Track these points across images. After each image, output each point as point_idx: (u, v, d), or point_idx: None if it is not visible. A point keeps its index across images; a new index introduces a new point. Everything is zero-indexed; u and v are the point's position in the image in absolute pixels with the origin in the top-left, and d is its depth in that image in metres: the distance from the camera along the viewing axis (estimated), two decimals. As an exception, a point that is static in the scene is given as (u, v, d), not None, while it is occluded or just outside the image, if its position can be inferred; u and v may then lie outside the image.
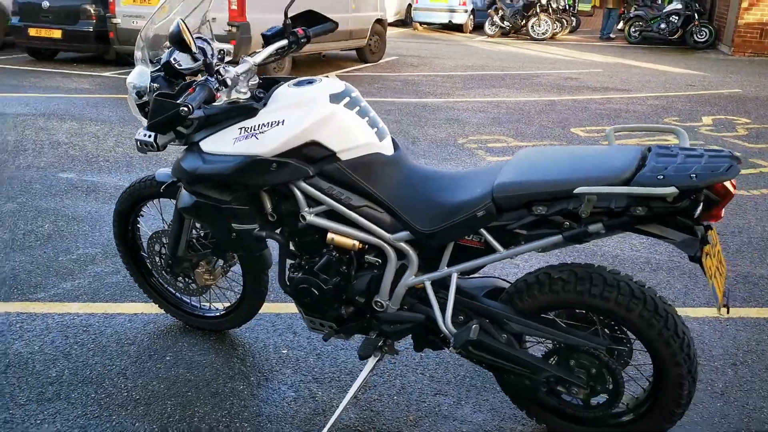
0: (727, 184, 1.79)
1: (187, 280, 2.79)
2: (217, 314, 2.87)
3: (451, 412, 2.45)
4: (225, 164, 2.16)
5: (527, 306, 2.10)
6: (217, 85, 2.10)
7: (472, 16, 19.57)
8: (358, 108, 2.19)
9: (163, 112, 1.99)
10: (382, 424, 2.38)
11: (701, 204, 1.77)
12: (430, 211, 2.09)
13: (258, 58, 2.37)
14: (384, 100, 8.44)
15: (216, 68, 2.13)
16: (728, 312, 2.01)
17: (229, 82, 2.15)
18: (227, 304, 2.90)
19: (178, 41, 1.94)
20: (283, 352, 2.79)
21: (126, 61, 10.39)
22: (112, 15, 9.14)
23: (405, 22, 21.44)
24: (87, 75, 9.53)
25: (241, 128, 2.17)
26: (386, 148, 2.21)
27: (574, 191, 1.83)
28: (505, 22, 18.11)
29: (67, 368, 2.63)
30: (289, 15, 2.58)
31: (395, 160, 2.22)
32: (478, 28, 19.74)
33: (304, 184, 2.18)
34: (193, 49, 1.99)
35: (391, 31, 19.65)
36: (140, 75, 2.32)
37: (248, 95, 2.27)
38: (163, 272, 2.81)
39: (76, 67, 10.29)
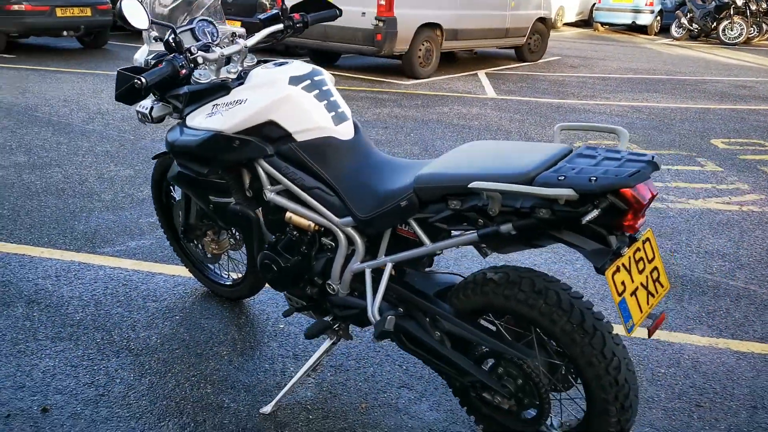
0: (641, 191, 1.57)
1: (200, 247, 2.95)
2: (229, 283, 2.99)
3: (406, 406, 2.37)
4: (195, 137, 2.26)
5: (462, 306, 1.97)
6: (182, 63, 2.19)
7: (659, 18, 18.26)
8: (317, 91, 2.18)
9: (121, 84, 2.12)
10: (333, 406, 2.35)
11: (596, 210, 1.56)
12: (367, 197, 2.04)
13: (251, 41, 2.44)
14: (520, 99, 8.18)
15: (186, 47, 2.22)
16: (649, 336, 1.74)
17: (199, 60, 2.24)
18: (240, 275, 3.02)
19: (121, 17, 2.04)
20: (280, 326, 2.85)
21: (293, 52, 11.00)
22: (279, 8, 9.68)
23: (588, 22, 20.52)
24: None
25: (214, 105, 2.25)
26: (342, 133, 2.18)
27: (468, 185, 1.70)
28: (693, 25, 16.70)
29: (90, 314, 2.89)
30: (299, 2, 2.63)
31: (350, 145, 2.18)
32: (664, 30, 18.38)
33: (264, 163, 2.22)
34: (137, 26, 2.08)
35: (568, 32, 18.95)
36: (142, 52, 2.49)
37: (235, 75, 2.35)
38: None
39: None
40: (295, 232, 2.29)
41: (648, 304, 1.71)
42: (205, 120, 2.24)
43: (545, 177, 1.63)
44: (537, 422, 1.96)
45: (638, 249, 1.71)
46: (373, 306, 2.06)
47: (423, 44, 9.18)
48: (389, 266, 2.06)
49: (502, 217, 1.74)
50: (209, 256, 2.92)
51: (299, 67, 2.22)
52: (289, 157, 2.17)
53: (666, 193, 4.75)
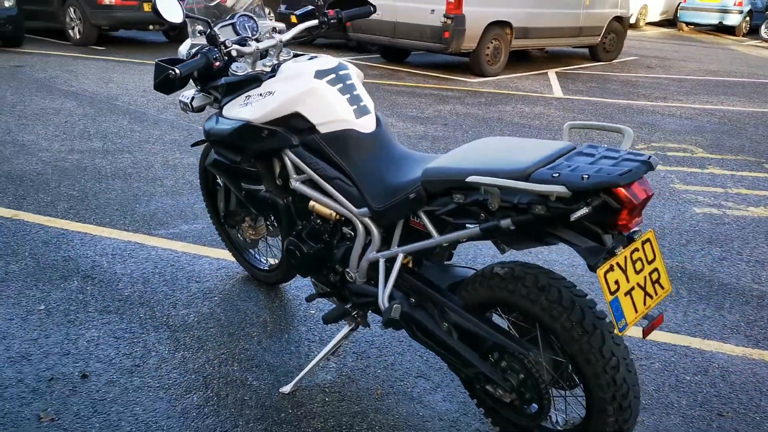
0: (634, 191, 1.56)
1: (240, 232, 3.07)
2: (266, 268, 3.10)
3: (421, 395, 2.41)
4: (227, 127, 2.36)
5: (471, 299, 2.00)
6: (216, 55, 2.29)
7: (747, 18, 17.43)
8: (341, 85, 2.24)
9: (159, 75, 2.24)
10: (349, 390, 2.42)
11: (586, 208, 1.56)
12: (381, 189, 2.09)
13: (286, 36, 2.52)
14: (587, 99, 8.01)
15: (222, 41, 2.32)
16: (644, 337, 1.72)
17: (233, 53, 2.34)
18: (276, 261, 3.13)
19: (155, 11, 2.16)
20: (311, 312, 2.94)
21: (365, 48, 11.14)
22: (349, 5, 9.81)
23: (672, 22, 19.80)
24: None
25: (247, 96, 2.35)
26: (363, 126, 2.23)
27: (466, 179, 1.72)
28: (785, 26, 15.86)
29: (138, 291, 3.06)
30: (336, -1, 2.70)
31: (371, 137, 2.24)
32: (753, 31, 17.54)
33: (290, 153, 2.30)
34: (172, 20, 2.19)
35: (651, 31, 18.34)
36: (185, 45, 2.62)
37: (270, 68, 2.44)
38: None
39: (324, 51, 11.28)
40: (318, 221, 2.37)
41: (645, 305, 1.70)
42: (237, 110, 2.34)
43: (540, 174, 1.65)
44: (538, 417, 1.97)
45: (636, 249, 1.70)
46: (383, 294, 2.11)
47: (491, 42, 9.12)
48: (400, 256, 2.11)
49: (502, 213, 1.76)
50: (248, 241, 3.04)
51: (326, 61, 2.29)
52: (313, 147, 2.25)
53: (725, 199, 4.59)
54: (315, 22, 2.57)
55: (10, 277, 3.14)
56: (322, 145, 2.22)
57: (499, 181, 1.66)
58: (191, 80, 2.63)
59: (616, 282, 1.65)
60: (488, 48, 9.12)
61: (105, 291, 3.05)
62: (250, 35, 2.54)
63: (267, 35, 2.57)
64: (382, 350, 2.68)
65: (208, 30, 2.31)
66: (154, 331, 2.76)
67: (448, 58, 10.73)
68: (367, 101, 2.29)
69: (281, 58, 2.52)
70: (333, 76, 2.25)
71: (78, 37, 10.80)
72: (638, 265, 1.71)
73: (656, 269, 1.75)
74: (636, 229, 1.69)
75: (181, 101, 2.57)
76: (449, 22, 8.51)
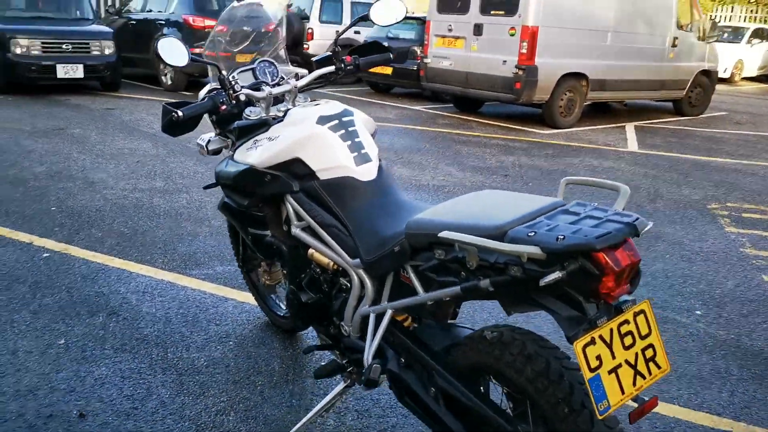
0: (617, 256, 1.38)
1: (257, 277, 3.01)
2: (284, 314, 3.02)
3: (416, 463, 2.23)
4: (233, 170, 2.33)
5: (461, 363, 1.84)
6: (223, 99, 2.27)
7: None
8: (343, 131, 2.17)
9: (164, 117, 2.23)
10: (342, 452, 2.28)
11: (559, 273, 1.39)
12: (372, 239, 1.98)
13: (302, 82, 2.49)
14: (663, 154, 7.64)
15: (232, 85, 2.30)
16: (631, 423, 1.50)
17: (242, 97, 2.31)
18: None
19: (157, 56, 2.16)
20: (322, 363, 2.82)
21: (438, 97, 11.14)
22: (424, 55, 9.89)
23: (772, 77, 18.87)
24: (401, 107, 10.47)
25: (255, 140, 2.31)
26: (362, 174, 2.14)
27: (438, 234, 1.59)
28: None
29: (157, 331, 3.05)
30: (357, 45, 2.65)
31: (369, 186, 2.14)
32: None
33: (291, 199, 2.23)
34: (175, 64, 2.17)
35: (747, 86, 17.54)
36: (204, 89, 2.62)
37: (282, 114, 2.40)
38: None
39: (399, 100, 11.38)
40: (317, 270, 2.27)
41: (635, 385, 1.49)
42: (244, 154, 2.30)
43: (516, 232, 1.50)
44: None
45: (626, 321, 1.50)
46: (368, 351, 1.98)
47: (565, 94, 8.90)
48: (389, 312, 1.98)
49: (482, 272, 1.61)
50: (264, 286, 2.98)
51: (331, 107, 2.23)
52: (312, 194, 2.17)
53: (800, 267, 4.17)
54: (331, 68, 2.53)
55: (42, 310, 3.19)
56: (320, 191, 2.14)
57: (468, 238, 1.53)
58: (212, 123, 2.63)
59: (598, 357, 1.46)
60: (562, 100, 8.91)
61: (125, 329, 3.05)
62: (269, 80, 2.52)
63: (284, 81, 2.55)
64: (386, 410, 2.52)
65: (218, 74, 2.30)
66: (161, 373, 2.71)
67: (523, 109, 10.56)
68: (370, 149, 2.20)
69: (296, 104, 2.48)
70: (336, 122, 2.18)
71: (169, 83, 11.35)
72: (628, 340, 1.51)
73: (651, 345, 1.54)
74: (628, 298, 1.50)
75: (198, 143, 2.56)
76: (521, 73, 8.38)
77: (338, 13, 13.68)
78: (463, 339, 1.85)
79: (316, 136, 2.15)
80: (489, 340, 1.73)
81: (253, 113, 2.39)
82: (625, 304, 1.51)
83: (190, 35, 10.85)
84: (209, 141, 2.54)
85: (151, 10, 11.89)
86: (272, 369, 2.77)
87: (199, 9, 11.07)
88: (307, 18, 13.47)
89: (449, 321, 2.08)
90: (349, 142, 2.16)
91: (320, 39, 13.32)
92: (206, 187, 2.83)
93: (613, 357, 1.48)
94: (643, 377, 1.51)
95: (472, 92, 9.20)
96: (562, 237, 1.41)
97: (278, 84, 2.51)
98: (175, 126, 2.23)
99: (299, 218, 2.27)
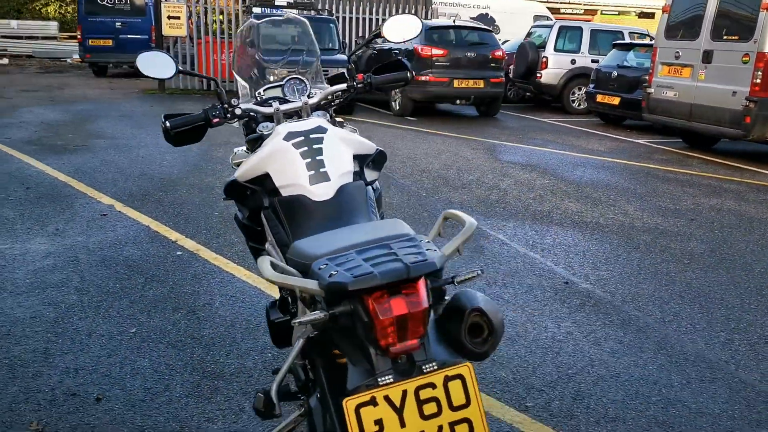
0: (392, 304, 1.15)
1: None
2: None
3: None
4: (227, 183, 2.34)
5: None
6: (216, 113, 2.28)
7: None
8: (306, 149, 2.05)
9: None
10: (289, 485, 2.14)
11: (320, 313, 1.19)
12: (300, 263, 1.84)
13: (313, 100, 2.41)
14: None
15: (229, 99, 2.31)
16: None
17: (238, 111, 2.31)
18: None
19: (137, 71, 2.23)
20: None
21: (669, 131, 10.06)
22: (647, 85, 9.02)
23: None
24: (619, 140, 9.67)
25: (253, 153, 2.31)
26: (315, 194, 1.99)
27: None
28: None
29: (215, 333, 3.16)
30: (379, 64, 2.51)
31: (321, 206, 1.98)
32: None
33: (263, 214, 2.17)
34: (159, 76, 2.23)
35: None
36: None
37: None
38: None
39: (624, 132, 10.52)
40: (283, 291, 2.18)
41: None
42: (237, 167, 2.31)
43: (317, 264, 1.30)
44: None
45: (430, 385, 1.20)
46: (278, 378, 1.84)
47: (812, 132, 7.45)
48: (300, 342, 1.81)
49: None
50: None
51: (304, 123, 2.14)
52: (274, 211, 2.10)
53: None
54: (343, 86, 2.43)
55: (139, 300, 3.52)
56: (278, 209, 2.06)
57: (267, 272, 1.36)
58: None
59: (378, 423, 1.18)
60: (806, 139, 7.47)
61: (191, 327, 3.23)
62: (297, 98, 2.50)
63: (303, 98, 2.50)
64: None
65: (216, 88, 2.33)
66: (189, 373, 2.81)
67: (771, 148, 9.08)
68: (332, 168, 2.05)
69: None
70: (301, 138, 2.08)
71: (397, 108, 11.88)
72: (429, 409, 1.20)
73: (467, 420, 1.21)
74: (429, 358, 1.21)
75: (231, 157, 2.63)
76: (752, 105, 7.21)
77: (577, 41, 13.15)
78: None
79: (279, 151, 2.07)
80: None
81: (265, 128, 2.38)
82: (426, 363, 1.21)
83: (420, 63, 11.30)
84: (235, 154, 2.58)
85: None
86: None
87: (429, 40, 11.43)
88: (543, 47, 13.17)
89: None
90: (308, 160, 2.05)
91: (554, 68, 12.93)
92: (225, 200, 2.90)
93: (402, 425, 1.19)
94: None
95: (696, 126, 8.15)
96: (334, 273, 1.18)
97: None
98: (168, 136, 2.31)
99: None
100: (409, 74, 2.42)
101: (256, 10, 13.26)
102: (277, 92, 2.51)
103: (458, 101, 11.71)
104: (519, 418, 2.57)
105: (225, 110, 2.30)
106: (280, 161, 2.05)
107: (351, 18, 15.20)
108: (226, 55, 13.69)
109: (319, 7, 14.57)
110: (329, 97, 2.44)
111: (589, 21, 25.93)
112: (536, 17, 20.90)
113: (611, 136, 10.08)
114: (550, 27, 13.40)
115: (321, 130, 2.11)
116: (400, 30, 2.39)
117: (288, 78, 2.52)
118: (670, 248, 4.69)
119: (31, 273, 3.80)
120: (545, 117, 12.25)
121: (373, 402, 1.19)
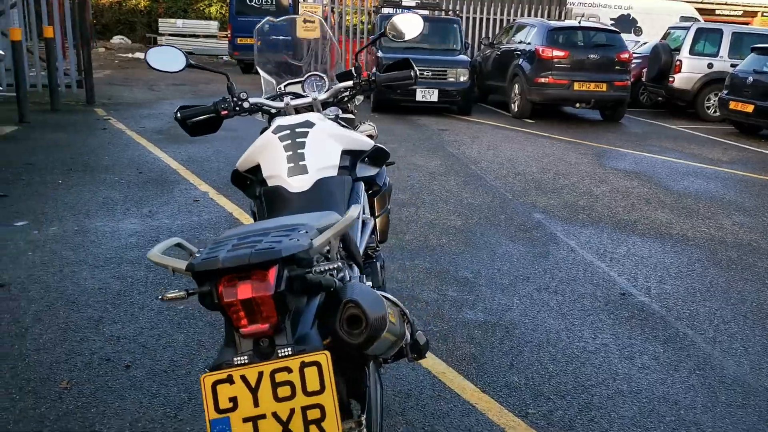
0: (236, 287, 1.24)
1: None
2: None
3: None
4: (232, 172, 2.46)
5: None
6: (225, 105, 2.40)
7: None
8: (289, 141, 2.12)
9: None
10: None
11: (180, 291, 1.39)
12: None
13: (321, 96, 2.47)
14: None
15: (238, 93, 2.42)
16: None
17: (246, 105, 2.41)
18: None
19: (148, 65, 2.38)
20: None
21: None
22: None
23: None
24: (747, 149, 8.91)
25: None
26: (292, 185, 2.06)
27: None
28: None
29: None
30: (390, 63, 2.53)
31: (296, 198, 2.05)
32: None
33: (255, 204, 2.27)
34: (169, 70, 2.36)
35: None
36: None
37: None
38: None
39: (759, 143, 9.65)
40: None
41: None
42: (245, 157, 2.43)
43: (212, 243, 1.41)
44: None
45: (285, 369, 1.25)
46: None
47: None
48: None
49: None
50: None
51: (295, 117, 2.22)
52: (260, 200, 2.19)
53: None
54: (350, 83, 2.47)
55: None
56: (262, 198, 2.15)
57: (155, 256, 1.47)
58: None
59: (233, 400, 1.24)
60: None
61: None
62: (316, 93, 2.58)
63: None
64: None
65: (227, 82, 2.46)
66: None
67: None
68: (312, 161, 2.10)
69: None
70: (287, 132, 2.15)
71: (516, 110, 11.65)
72: (283, 392, 1.25)
73: (319, 406, 1.24)
74: (289, 343, 1.25)
75: None
76: None
77: (716, 44, 12.21)
78: None
79: (265, 143, 2.16)
80: None
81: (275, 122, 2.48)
82: (281, 348, 1.27)
83: (540, 64, 11.02)
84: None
85: (514, 42, 12.36)
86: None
87: (551, 41, 11.10)
88: (678, 50, 12.36)
89: None
90: (290, 153, 2.11)
91: (689, 72, 12.09)
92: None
93: (256, 405, 1.24)
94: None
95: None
96: (198, 255, 1.27)
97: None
98: (183, 125, 2.46)
99: (263, 223, 2.29)
100: (412, 73, 2.42)
101: (385, 10, 13.55)
102: (297, 88, 2.61)
103: (578, 104, 11.30)
104: (514, 423, 2.50)
105: (234, 103, 2.41)
106: (267, 153, 2.14)
107: (476, 18, 15.09)
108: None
109: (443, 7, 14.59)
110: (338, 94, 2.49)
111: (748, 23, 23.93)
112: (683, 18, 19.61)
113: (739, 145, 9.30)
114: (687, 29, 12.55)
115: (308, 124, 2.17)
116: (404, 29, 2.41)
117: (309, 74, 2.61)
118: (755, 266, 4.28)
119: (114, 249, 4.17)
120: (675, 123, 11.51)
121: (229, 380, 1.24)
